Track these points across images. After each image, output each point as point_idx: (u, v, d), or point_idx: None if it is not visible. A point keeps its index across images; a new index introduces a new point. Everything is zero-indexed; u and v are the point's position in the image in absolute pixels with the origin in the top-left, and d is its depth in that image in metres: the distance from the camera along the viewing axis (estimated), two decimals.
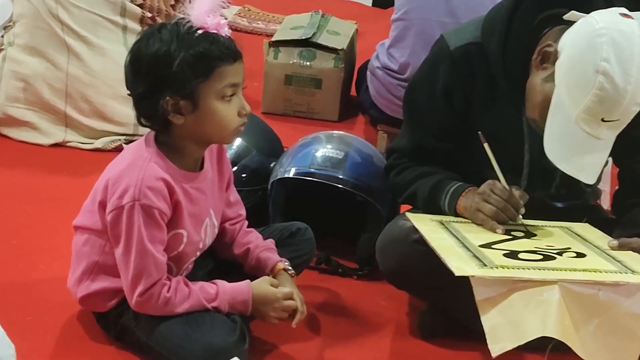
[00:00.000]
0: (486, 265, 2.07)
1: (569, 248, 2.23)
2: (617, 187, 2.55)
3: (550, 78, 2.18)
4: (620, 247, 2.23)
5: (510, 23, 2.30)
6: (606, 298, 2.03)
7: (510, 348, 1.97)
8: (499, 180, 2.33)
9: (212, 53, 2.14)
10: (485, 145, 2.33)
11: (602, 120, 2.12)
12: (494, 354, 1.97)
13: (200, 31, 2.15)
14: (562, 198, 2.53)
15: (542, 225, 2.40)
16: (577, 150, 2.17)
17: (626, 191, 2.49)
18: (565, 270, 2.07)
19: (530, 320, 1.99)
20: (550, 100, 2.16)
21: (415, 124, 2.52)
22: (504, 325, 2.00)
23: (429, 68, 2.48)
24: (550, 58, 2.19)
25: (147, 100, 2.18)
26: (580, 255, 2.19)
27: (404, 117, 2.59)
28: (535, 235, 2.33)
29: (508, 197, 2.31)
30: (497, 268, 2.07)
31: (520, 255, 2.15)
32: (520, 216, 2.33)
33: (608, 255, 2.20)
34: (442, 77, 2.41)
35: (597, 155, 2.20)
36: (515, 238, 2.29)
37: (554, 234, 2.35)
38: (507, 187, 2.33)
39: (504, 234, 2.28)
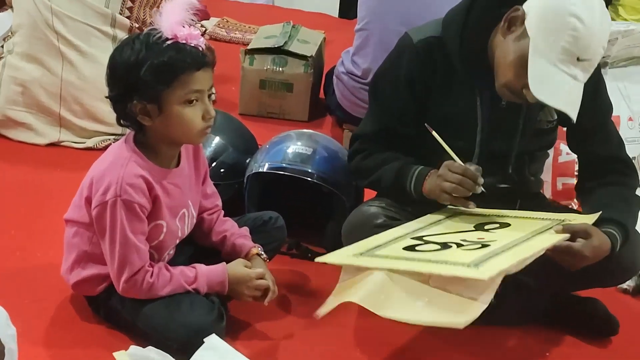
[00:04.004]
0: (356, 255, 2.13)
1: (495, 241, 2.15)
2: (577, 173, 2.58)
3: (523, 35, 2.17)
4: (566, 231, 2.19)
5: (467, 17, 2.30)
6: (436, 285, 2.00)
7: (326, 310, 2.04)
8: (454, 160, 2.31)
9: (175, 62, 2.10)
10: (434, 132, 2.31)
11: (578, 60, 2.13)
12: (318, 314, 2.05)
13: (170, 41, 2.10)
14: (509, 184, 2.48)
15: (527, 217, 2.35)
16: (559, 89, 2.15)
17: (586, 173, 2.50)
18: (424, 261, 2.05)
19: (351, 290, 2.04)
20: (525, 54, 2.15)
21: (380, 109, 2.48)
22: (334, 297, 2.08)
23: (394, 59, 2.45)
24: (518, 20, 2.19)
25: (119, 103, 2.17)
26: (484, 246, 2.12)
27: (370, 104, 2.55)
28: (509, 225, 2.29)
29: (464, 172, 2.27)
30: (359, 256, 2.11)
31: (418, 248, 2.15)
32: (481, 187, 2.28)
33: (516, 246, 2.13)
34: (405, 66, 2.39)
35: (575, 93, 2.17)
36: (481, 229, 2.27)
37: (520, 227, 2.27)
38: (462, 163, 2.30)
39: (480, 231, 2.26)
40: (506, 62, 2.21)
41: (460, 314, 1.95)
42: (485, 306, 1.95)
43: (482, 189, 2.28)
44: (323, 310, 2.05)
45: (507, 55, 2.21)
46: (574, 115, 2.17)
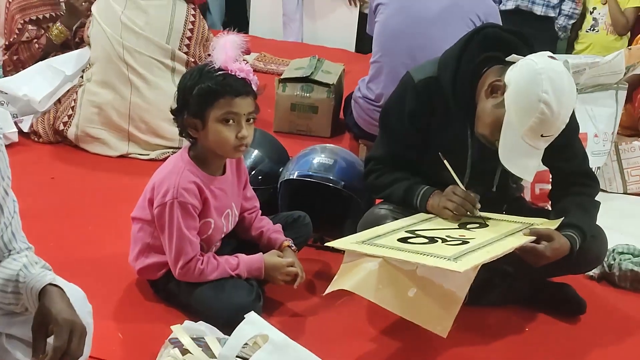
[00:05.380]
0: (359, 243, 2.13)
1: (473, 239, 2.15)
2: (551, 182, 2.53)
3: (500, 105, 2.15)
4: (532, 234, 2.20)
5: (459, 62, 2.27)
6: (422, 274, 2.00)
7: (330, 290, 2.07)
8: (458, 185, 2.31)
9: (218, 87, 2.12)
10: (445, 161, 2.30)
11: (541, 136, 2.12)
12: (324, 293, 2.10)
13: (220, 71, 2.11)
14: (495, 192, 2.46)
15: (501, 220, 2.33)
16: (522, 157, 2.16)
17: (556, 184, 2.47)
18: (413, 252, 2.03)
19: (348, 277, 2.04)
20: (500, 121, 2.14)
21: (389, 138, 2.46)
22: (337, 279, 2.08)
23: (398, 96, 2.43)
24: (499, 90, 2.16)
25: (177, 116, 2.20)
26: (465, 242, 2.11)
27: (380, 132, 2.54)
28: (487, 226, 2.28)
29: (466, 196, 2.28)
30: (361, 244, 2.11)
31: (410, 240, 2.14)
32: (477, 210, 2.29)
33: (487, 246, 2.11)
34: (408, 103, 2.36)
35: (535, 160, 2.20)
36: (464, 227, 2.26)
37: (496, 228, 2.26)
38: (464, 189, 2.30)
39: (463, 229, 2.26)
40: (485, 121, 2.20)
41: (438, 320, 1.96)
42: (462, 300, 1.96)
43: (479, 212, 2.29)
44: (328, 290, 2.08)
45: (486, 115, 2.19)
46: (530, 179, 2.24)
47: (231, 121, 2.15)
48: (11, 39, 3.72)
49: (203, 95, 2.12)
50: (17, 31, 3.70)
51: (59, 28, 3.73)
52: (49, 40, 3.74)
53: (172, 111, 2.21)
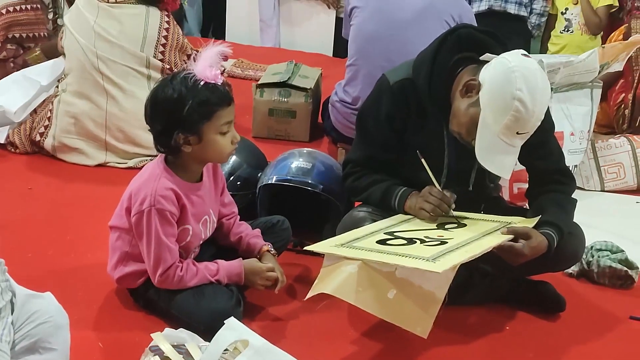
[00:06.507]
0: (338, 246, 2.13)
1: (452, 239, 2.16)
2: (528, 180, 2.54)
3: (475, 104, 2.16)
4: (509, 233, 2.21)
5: (433, 63, 2.28)
6: (401, 275, 2.01)
7: (311, 294, 2.06)
8: (434, 186, 2.32)
9: (212, 100, 2.10)
10: (423, 160, 2.31)
11: (517, 133, 2.13)
12: (305, 298, 2.09)
13: (202, 82, 2.10)
14: (473, 190, 2.47)
15: (479, 219, 2.34)
16: (499, 155, 2.17)
17: (533, 182, 2.48)
18: (391, 254, 2.03)
19: (328, 281, 2.04)
20: (475, 120, 2.15)
21: (365, 140, 2.46)
22: (317, 283, 2.07)
23: (374, 98, 2.43)
24: (474, 89, 2.17)
25: (164, 135, 2.15)
26: (443, 243, 2.12)
27: (356, 135, 2.54)
28: (465, 225, 2.29)
29: (442, 197, 2.29)
30: (340, 247, 2.11)
31: (389, 242, 2.14)
32: (452, 210, 2.31)
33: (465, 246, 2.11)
34: (384, 105, 2.37)
35: (511, 157, 2.21)
36: (442, 228, 2.27)
37: (474, 227, 2.27)
38: (440, 190, 2.31)
39: (441, 229, 2.26)
40: (460, 121, 2.21)
41: (418, 321, 1.96)
42: (441, 300, 1.97)
43: (453, 212, 2.30)
44: (309, 295, 2.08)
45: (462, 114, 2.20)
46: (507, 176, 2.27)
47: (227, 130, 2.15)
48: None
49: (199, 110, 2.09)
50: None
51: (38, 54, 3.71)
52: (26, 62, 3.71)
53: (156, 131, 2.16)
